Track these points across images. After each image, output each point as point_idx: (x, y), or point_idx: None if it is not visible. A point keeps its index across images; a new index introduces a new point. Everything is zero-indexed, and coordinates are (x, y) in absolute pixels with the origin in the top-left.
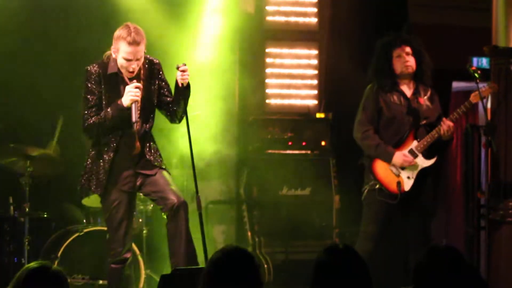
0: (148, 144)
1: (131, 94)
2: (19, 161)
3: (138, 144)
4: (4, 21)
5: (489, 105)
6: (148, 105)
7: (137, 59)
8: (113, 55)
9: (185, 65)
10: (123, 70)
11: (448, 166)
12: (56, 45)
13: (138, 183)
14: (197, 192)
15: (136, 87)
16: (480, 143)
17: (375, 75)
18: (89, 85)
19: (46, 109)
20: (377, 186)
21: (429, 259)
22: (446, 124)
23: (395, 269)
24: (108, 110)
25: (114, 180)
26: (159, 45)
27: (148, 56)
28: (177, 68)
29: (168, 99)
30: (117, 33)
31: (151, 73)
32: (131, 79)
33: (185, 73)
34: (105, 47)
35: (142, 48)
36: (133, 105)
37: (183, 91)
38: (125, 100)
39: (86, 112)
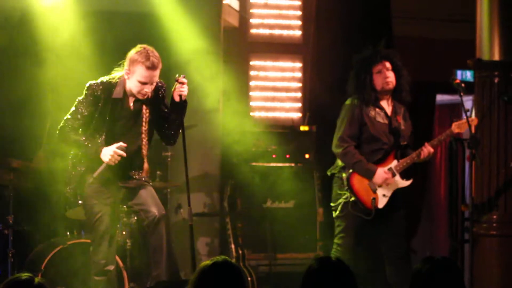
0: (138, 164)
1: (112, 158)
2: (3, 173)
3: (146, 165)
4: None
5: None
6: (150, 129)
7: (151, 83)
8: (125, 77)
9: (184, 77)
10: (134, 92)
11: (432, 179)
12: (43, 57)
13: (121, 196)
14: (189, 203)
15: (119, 155)
16: (464, 156)
17: (357, 91)
18: (87, 101)
19: (33, 120)
20: (352, 198)
21: (427, 269)
22: (428, 149)
23: (375, 282)
24: (89, 145)
25: (98, 193)
26: None
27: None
28: (176, 80)
29: (165, 120)
30: (134, 56)
31: (156, 96)
32: (136, 102)
33: (184, 86)
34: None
35: (158, 73)
36: (104, 165)
37: (181, 105)
38: (105, 156)
39: (70, 117)
